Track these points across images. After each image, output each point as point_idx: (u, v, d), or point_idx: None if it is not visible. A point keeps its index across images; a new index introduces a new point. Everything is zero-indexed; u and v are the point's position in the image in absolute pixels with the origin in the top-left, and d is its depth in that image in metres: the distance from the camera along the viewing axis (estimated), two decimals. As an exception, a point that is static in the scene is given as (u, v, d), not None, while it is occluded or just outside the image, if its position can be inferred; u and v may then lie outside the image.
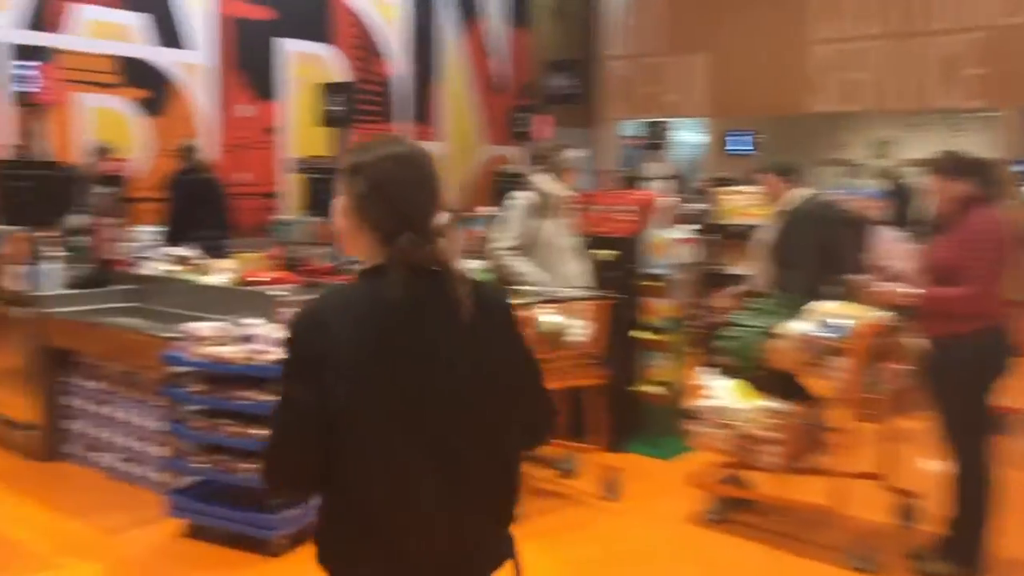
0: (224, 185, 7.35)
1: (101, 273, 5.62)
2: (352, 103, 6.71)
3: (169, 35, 10.44)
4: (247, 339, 4.13)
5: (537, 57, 13.71)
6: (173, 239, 6.39)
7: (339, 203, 1.86)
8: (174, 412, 4.34)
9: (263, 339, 4.12)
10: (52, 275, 5.37)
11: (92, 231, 5.89)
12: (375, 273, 1.81)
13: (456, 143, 13.30)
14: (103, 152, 8.25)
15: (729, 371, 4.57)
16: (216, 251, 6.08)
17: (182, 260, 5.60)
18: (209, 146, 10.56)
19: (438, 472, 1.77)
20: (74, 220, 6.74)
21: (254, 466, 3.98)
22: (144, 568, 4.18)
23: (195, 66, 10.70)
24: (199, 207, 6.91)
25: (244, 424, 4.04)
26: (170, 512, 4.31)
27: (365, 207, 1.82)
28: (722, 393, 4.51)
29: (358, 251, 1.86)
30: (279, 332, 4.17)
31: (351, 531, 1.79)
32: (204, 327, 4.24)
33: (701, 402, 4.54)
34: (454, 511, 1.79)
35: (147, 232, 6.99)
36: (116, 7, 9.98)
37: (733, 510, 4.73)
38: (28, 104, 5.28)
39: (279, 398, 1.79)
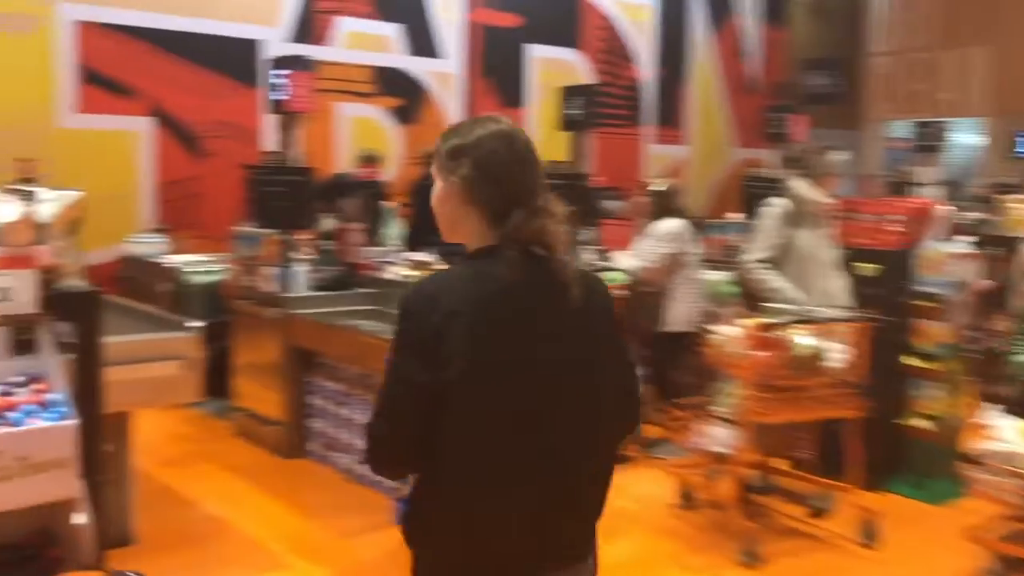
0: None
1: (346, 276, 5.76)
2: (592, 106, 6.48)
3: (422, 44, 10.73)
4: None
5: (793, 55, 12.93)
6: (414, 244, 6.46)
7: (439, 189, 1.85)
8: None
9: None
10: (300, 277, 5.55)
11: (340, 235, 6.05)
12: (486, 254, 1.79)
13: (704, 146, 12.80)
14: (370, 160, 8.55)
15: (1016, 406, 3.92)
16: (454, 257, 6.06)
17: (420, 265, 5.61)
18: (456, 152, 10.77)
19: (540, 457, 1.76)
20: (326, 224, 6.99)
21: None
22: (374, 574, 4.15)
23: (445, 74, 10.95)
24: (441, 212, 6.95)
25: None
26: (395, 520, 4.24)
27: (473, 188, 1.80)
28: (1011, 436, 3.85)
29: (463, 236, 1.84)
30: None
31: (446, 511, 1.77)
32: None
33: (984, 445, 3.90)
34: (552, 499, 1.79)
35: (392, 237, 7.14)
36: (373, 18, 10.39)
37: (1017, 572, 4.03)
38: (285, 112, 5.45)
39: (388, 373, 1.75)
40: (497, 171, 1.81)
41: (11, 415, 2.20)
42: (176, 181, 9.47)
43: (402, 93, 10.65)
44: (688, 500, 4.88)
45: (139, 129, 9.09)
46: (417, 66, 10.75)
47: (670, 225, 5.63)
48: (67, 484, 2.21)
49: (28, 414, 2.22)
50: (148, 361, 3.94)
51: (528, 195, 1.81)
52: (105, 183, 8.68)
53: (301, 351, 5.43)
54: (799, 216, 4.87)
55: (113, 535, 3.92)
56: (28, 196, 2.42)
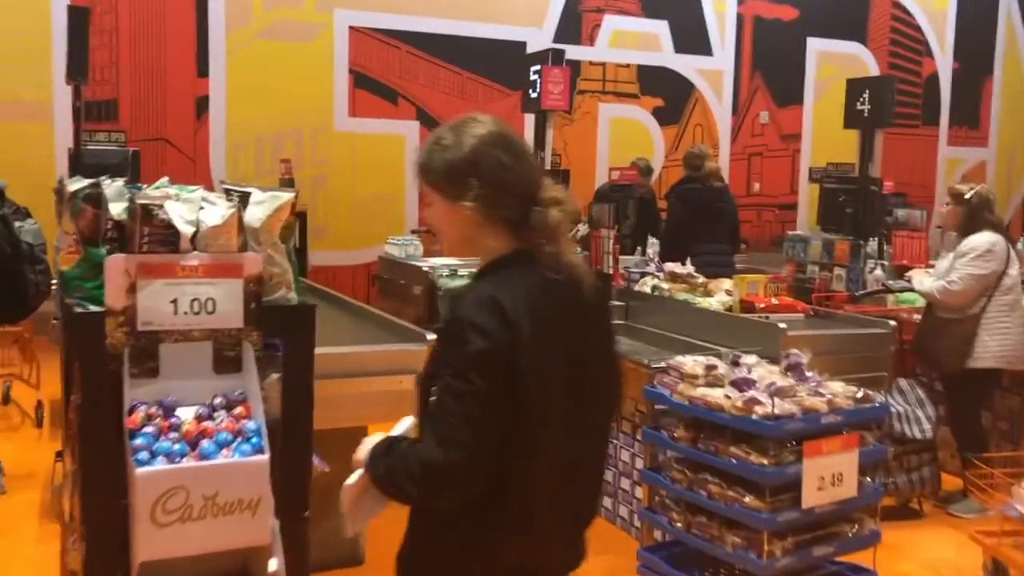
0: (732, 196, 6.75)
1: (596, 286, 5.32)
2: (884, 101, 5.64)
3: (689, 41, 10.19)
4: (743, 384, 3.42)
5: None
6: (669, 254, 5.93)
7: (442, 212, 1.77)
8: (653, 456, 3.80)
9: (761, 385, 3.37)
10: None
11: (590, 242, 5.64)
12: (513, 260, 1.74)
13: (1010, 149, 11.24)
14: (646, 171, 8.15)
15: None
16: (714, 269, 5.47)
17: (675, 277, 5.08)
18: (720, 154, 10.10)
19: (579, 468, 1.80)
20: (578, 231, 6.63)
21: (738, 539, 3.27)
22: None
23: (714, 71, 10.33)
24: (700, 219, 6.37)
25: (728, 485, 3.34)
26: (639, 569, 3.77)
27: (488, 208, 1.73)
28: None
29: (478, 252, 1.78)
30: (781, 377, 3.40)
31: (500, 527, 1.72)
32: (694, 363, 3.61)
33: None
34: (583, 508, 1.87)
35: (648, 245, 6.65)
36: (639, 15, 9.97)
37: None
38: (539, 110, 5.12)
39: (454, 390, 1.63)
40: (506, 181, 1.73)
41: (203, 444, 1.95)
42: (439, 184, 9.59)
43: (667, 92, 10.19)
44: None
45: (405, 132, 9.27)
46: (684, 64, 10.21)
47: (983, 239, 4.70)
48: (257, 529, 1.93)
49: (221, 444, 1.96)
50: (384, 374, 3.74)
51: (536, 189, 1.75)
52: (374, 185, 8.91)
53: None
54: None
55: (343, 555, 3.76)
56: (239, 197, 2.18)
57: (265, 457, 1.93)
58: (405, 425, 1.89)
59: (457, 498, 1.67)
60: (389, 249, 7.15)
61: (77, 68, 4.59)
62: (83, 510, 2.00)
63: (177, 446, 1.94)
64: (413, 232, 8.22)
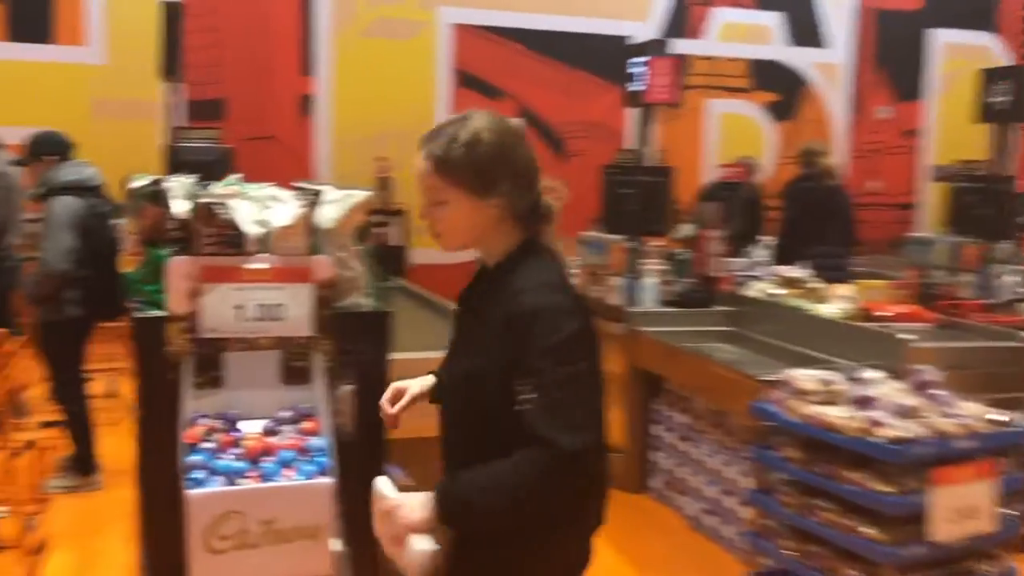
0: (850, 195, 6.34)
1: (702, 291, 5.03)
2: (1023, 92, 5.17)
3: (804, 34, 9.74)
4: (864, 402, 3.11)
5: None
6: (783, 256, 5.59)
7: (463, 209, 1.71)
8: (762, 477, 3.51)
9: (884, 404, 3.06)
10: (650, 290, 4.92)
11: (698, 243, 5.35)
12: (529, 251, 1.74)
13: None
14: (751, 168, 7.80)
15: None
16: (832, 273, 5.10)
17: (790, 282, 4.75)
18: (837, 151, 9.62)
19: None
20: (683, 230, 6.34)
21: (855, 572, 2.97)
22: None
23: (830, 65, 9.85)
24: (817, 220, 5.99)
25: (845, 513, 3.04)
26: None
27: (514, 204, 1.73)
28: None
29: (491, 246, 1.76)
30: (907, 395, 3.08)
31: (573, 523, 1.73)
32: (808, 377, 3.31)
33: None
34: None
35: (758, 247, 6.31)
36: (750, 7, 9.59)
37: None
38: (643, 104, 4.87)
39: (560, 376, 1.60)
40: (533, 174, 1.76)
41: (265, 463, 1.80)
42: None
43: (780, 87, 9.77)
44: None
45: (507, 130, 9.13)
46: (798, 57, 9.76)
47: None
48: (320, 557, 1.77)
49: (284, 463, 1.81)
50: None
51: (539, 180, 1.77)
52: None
53: (646, 374, 4.83)
54: None
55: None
56: (311, 195, 2.03)
57: (329, 480, 1.77)
58: (388, 485, 1.69)
59: (585, 484, 1.65)
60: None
61: (170, 65, 4.57)
62: (142, 531, 1.89)
63: (237, 464, 1.80)
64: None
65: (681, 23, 9.39)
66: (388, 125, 8.65)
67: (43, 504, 3.88)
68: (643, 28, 9.15)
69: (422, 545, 1.58)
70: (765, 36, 9.70)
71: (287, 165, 8.48)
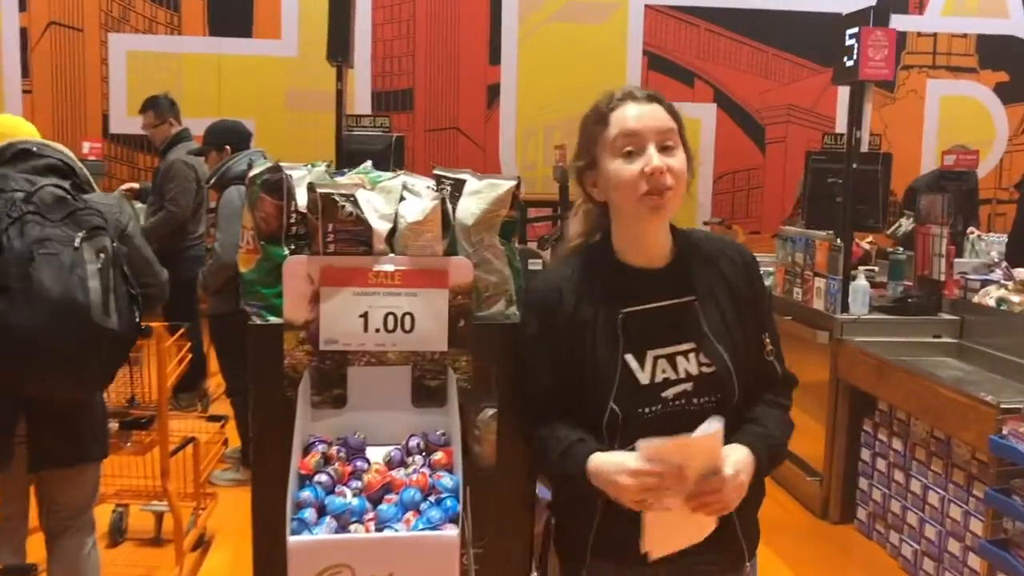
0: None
1: (923, 296, 4.37)
2: None
3: (1046, 3, 8.63)
4: None
5: None
6: (1014, 256, 4.82)
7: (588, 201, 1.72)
8: (998, 525, 2.93)
9: None
10: (862, 294, 4.32)
11: (919, 241, 4.67)
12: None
13: None
14: (964, 149, 6.96)
15: None
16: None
17: (1029, 288, 4.04)
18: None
19: None
20: (902, 226, 5.67)
21: None
22: None
23: (1074, 39, 8.68)
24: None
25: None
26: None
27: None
28: None
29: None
30: None
31: None
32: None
33: None
34: None
35: (994, 246, 5.53)
36: (982, -25, 8.59)
37: None
38: (855, 82, 4.29)
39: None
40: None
41: (386, 503, 1.51)
42: (736, 171, 8.85)
43: (1012, 66, 8.73)
44: None
45: (701, 115, 8.62)
46: (1036, 32, 8.68)
47: None
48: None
49: (406, 507, 1.51)
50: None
51: None
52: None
53: (854, 390, 4.25)
54: None
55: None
56: (451, 186, 1.72)
57: (454, 533, 1.45)
58: (713, 427, 1.49)
59: None
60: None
61: (338, 47, 4.42)
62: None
63: (353, 502, 1.51)
64: (705, 224, 7.59)
65: (899, -3, 8.54)
66: (575, 112, 8.32)
67: (206, 499, 3.82)
68: (851, 4, 8.37)
69: (716, 425, 1.48)
70: (996, 9, 8.68)
71: (472, 156, 8.35)
